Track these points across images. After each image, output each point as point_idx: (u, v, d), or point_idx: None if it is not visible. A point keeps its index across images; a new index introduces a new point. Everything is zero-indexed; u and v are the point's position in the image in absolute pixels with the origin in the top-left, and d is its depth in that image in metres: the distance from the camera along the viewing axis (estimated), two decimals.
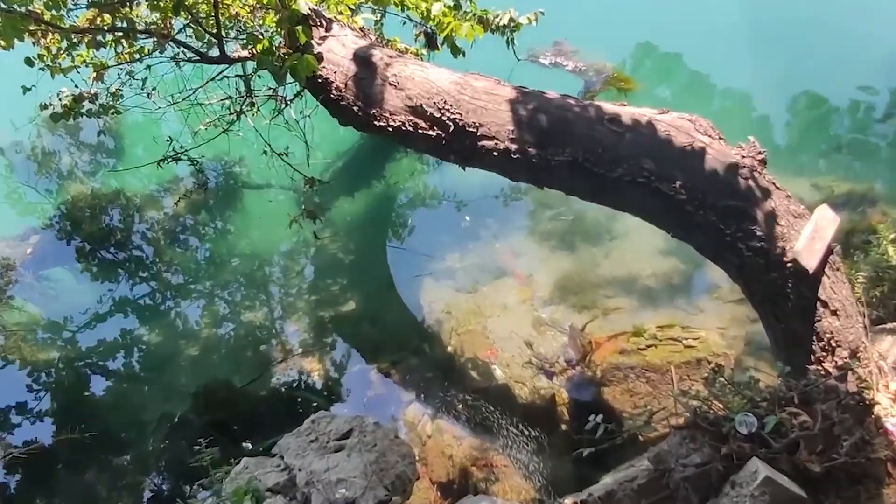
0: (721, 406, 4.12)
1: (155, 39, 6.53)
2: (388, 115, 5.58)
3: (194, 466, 5.15)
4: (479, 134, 5.15)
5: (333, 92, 5.84)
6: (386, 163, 10.93)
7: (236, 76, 7.30)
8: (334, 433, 6.02)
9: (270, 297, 9.44)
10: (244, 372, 8.27)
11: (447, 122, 5.25)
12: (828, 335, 4.48)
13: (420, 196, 10.55)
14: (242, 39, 7.09)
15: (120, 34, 6.43)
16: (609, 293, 8.43)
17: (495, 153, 5.13)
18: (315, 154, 8.03)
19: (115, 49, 6.77)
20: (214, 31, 6.29)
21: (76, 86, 6.98)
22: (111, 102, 7.27)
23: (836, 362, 4.46)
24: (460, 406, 7.39)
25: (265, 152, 7.62)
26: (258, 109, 7.36)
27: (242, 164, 11.03)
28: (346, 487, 5.32)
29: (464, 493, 6.54)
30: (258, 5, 7.16)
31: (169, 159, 7.74)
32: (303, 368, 8.21)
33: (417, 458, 6.64)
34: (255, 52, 6.00)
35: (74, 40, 6.45)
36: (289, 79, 5.88)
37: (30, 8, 5.39)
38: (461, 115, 5.21)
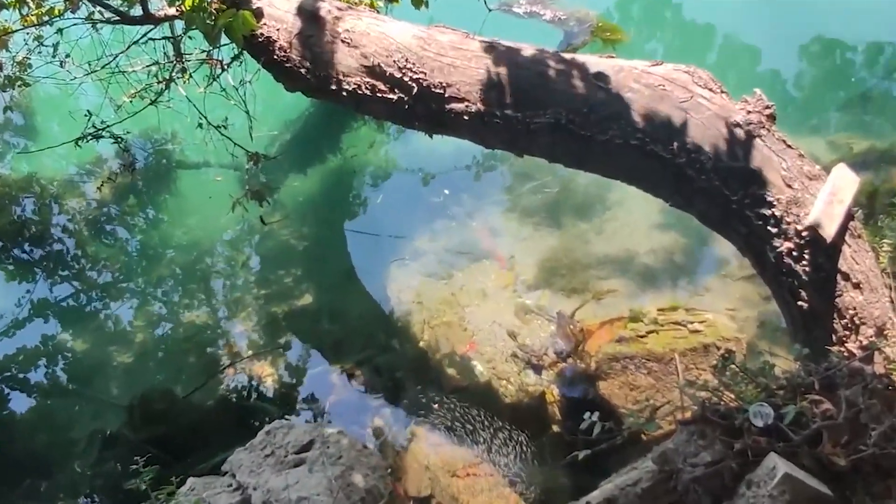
0: (733, 397, 4.13)
1: None
2: (340, 77, 5.54)
3: (131, 489, 5.11)
4: (446, 95, 5.13)
5: (277, 53, 5.78)
6: (341, 133, 10.87)
7: (163, 38, 7.20)
8: (293, 445, 6.00)
9: (213, 294, 9.37)
10: (186, 380, 8.23)
11: (410, 83, 5.22)
12: (850, 311, 4.51)
13: (382, 170, 10.50)
14: None
15: None
16: (602, 274, 8.46)
17: (466, 117, 5.11)
18: (259, 126, 7.95)
19: (20, 10, 6.66)
20: None
21: None
22: (18, 73, 7.17)
23: (861, 342, 4.49)
24: (437, 409, 7.38)
25: (201, 125, 7.54)
26: (190, 76, 7.28)
27: (175, 140, 10.93)
28: None
29: None
30: None
31: (89, 137, 7.62)
32: (254, 373, 8.17)
33: (389, 470, 6.63)
34: (183, 9, 5.92)
35: None
36: (224, 39, 5.81)
37: None
38: (425, 74, 5.18)
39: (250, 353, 8.39)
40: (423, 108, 5.28)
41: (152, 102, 7.52)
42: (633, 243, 8.66)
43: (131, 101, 7.55)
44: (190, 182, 10.56)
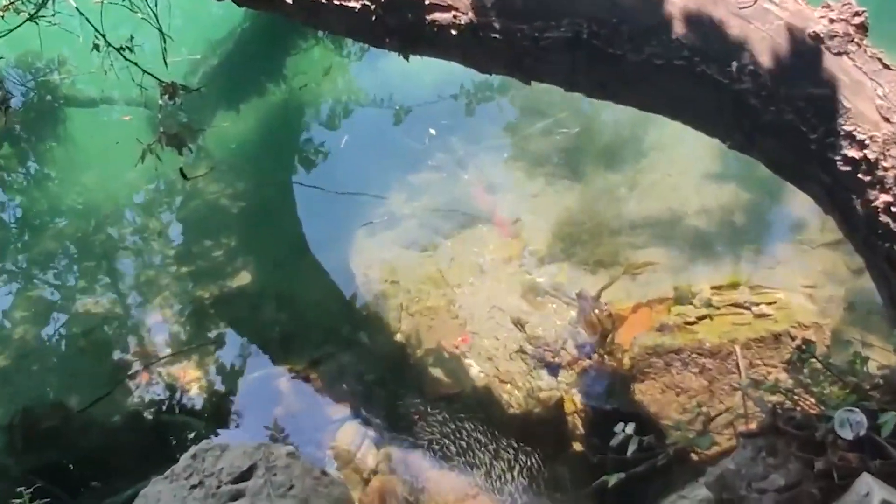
0: (813, 401, 4.15)
1: None
2: None
3: None
4: (427, 2, 5.10)
5: None
6: (286, 56, 10.83)
7: None
8: (228, 473, 5.99)
9: (119, 275, 9.36)
10: (84, 389, 8.21)
11: None
12: None
13: (342, 105, 10.48)
14: None
15: None
16: (637, 241, 8.47)
17: (453, 31, 5.08)
18: (176, 48, 7.91)
19: None
20: None
21: None
22: None
23: None
24: (419, 422, 7.41)
25: (97, 48, 7.48)
26: None
27: (63, 68, 10.86)
28: None
29: None
30: None
31: None
32: (175, 379, 8.17)
33: (359, 503, 6.66)
34: None
35: None
36: None
37: None
38: None
39: (170, 351, 8.39)
40: (395, 19, 5.24)
41: (31, 18, 7.45)
42: (678, 200, 8.66)
43: (3, 17, 7.48)
44: (85, 124, 10.52)
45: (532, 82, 5.36)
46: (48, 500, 5.06)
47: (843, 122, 4.42)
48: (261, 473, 5.99)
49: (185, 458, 6.21)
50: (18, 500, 4.98)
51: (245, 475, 6.00)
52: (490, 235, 8.72)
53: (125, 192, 9.87)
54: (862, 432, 3.68)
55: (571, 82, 5.19)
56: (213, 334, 8.53)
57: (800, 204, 7.64)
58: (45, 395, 8.12)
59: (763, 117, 4.56)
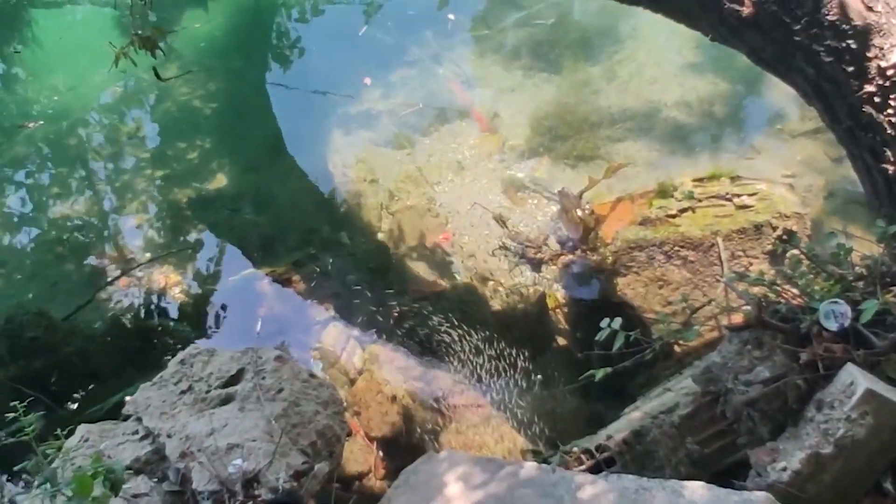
0: (796, 292, 4.20)
1: None
2: None
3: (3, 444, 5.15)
4: None
5: None
6: None
7: None
8: (216, 378, 5.99)
9: (94, 178, 9.31)
10: (64, 296, 8.21)
11: None
12: None
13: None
14: None
15: None
16: (616, 134, 8.47)
17: None
18: None
19: None
20: None
21: None
22: None
23: None
24: (403, 321, 7.45)
25: None
26: None
27: None
28: (241, 457, 5.36)
29: (419, 451, 6.58)
30: None
31: None
32: (155, 284, 8.16)
33: (346, 404, 6.68)
34: None
35: None
36: None
37: None
38: None
39: (149, 256, 8.38)
40: None
41: None
42: (657, 92, 8.64)
43: None
44: (51, 25, 10.36)
45: None
46: (41, 412, 5.08)
47: (827, 13, 4.45)
48: (249, 378, 5.98)
49: (173, 364, 6.20)
50: (13, 413, 5.01)
51: (234, 379, 5.99)
52: (468, 131, 8.71)
53: (95, 95, 9.79)
54: (846, 323, 3.74)
55: None
56: (191, 238, 8.51)
57: (779, 93, 7.66)
58: (27, 304, 8.08)
59: (745, 9, 4.58)
